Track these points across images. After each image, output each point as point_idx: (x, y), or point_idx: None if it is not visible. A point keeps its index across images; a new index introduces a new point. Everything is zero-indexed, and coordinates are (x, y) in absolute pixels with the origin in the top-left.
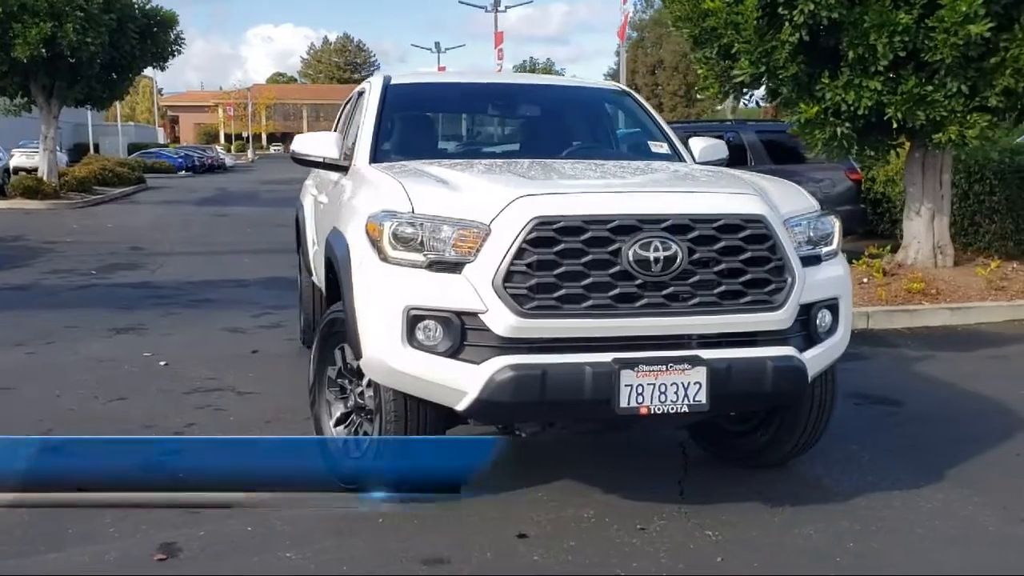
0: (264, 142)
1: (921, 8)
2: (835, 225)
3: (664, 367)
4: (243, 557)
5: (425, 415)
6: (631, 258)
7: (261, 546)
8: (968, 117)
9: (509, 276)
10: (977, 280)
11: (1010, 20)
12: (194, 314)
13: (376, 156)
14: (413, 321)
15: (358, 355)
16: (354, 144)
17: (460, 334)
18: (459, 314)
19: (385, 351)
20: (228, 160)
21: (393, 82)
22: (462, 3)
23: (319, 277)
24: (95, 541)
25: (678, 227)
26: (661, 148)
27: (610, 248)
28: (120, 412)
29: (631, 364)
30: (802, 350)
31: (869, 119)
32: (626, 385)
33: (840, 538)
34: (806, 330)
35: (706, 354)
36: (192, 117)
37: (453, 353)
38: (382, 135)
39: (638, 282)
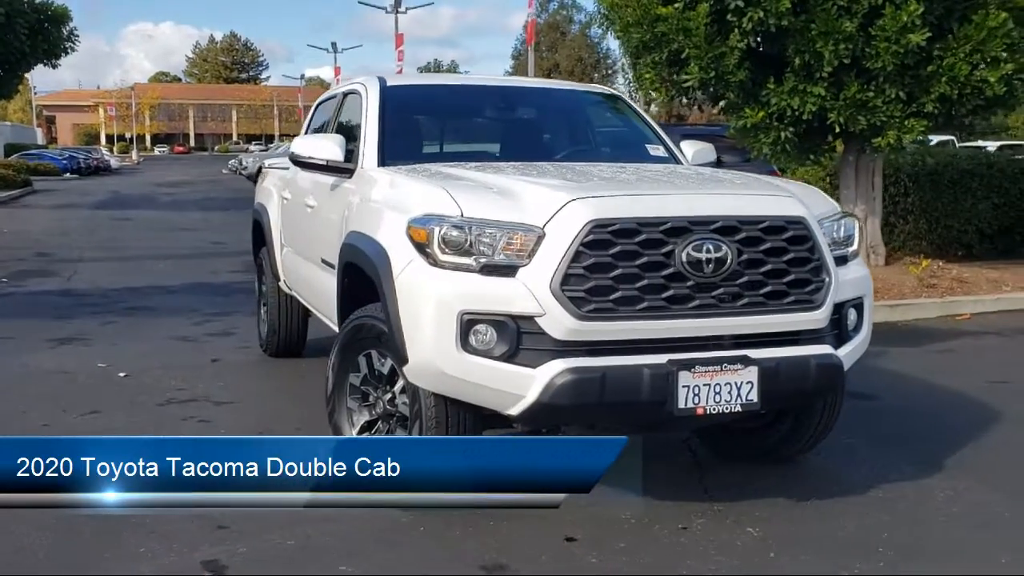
0: (148, 143)
1: (862, 18)
2: (856, 226)
3: (719, 367)
4: (299, 570)
5: (465, 419)
6: (684, 260)
7: (312, 559)
8: (906, 122)
9: (567, 279)
10: (909, 278)
11: (943, 31)
12: (133, 322)
13: (384, 159)
14: (467, 325)
15: (402, 361)
16: (355, 147)
17: (516, 338)
18: (515, 317)
19: (437, 356)
20: (113, 162)
21: (389, 83)
22: (360, 3)
23: (292, 282)
24: (131, 559)
25: (727, 228)
26: (658, 151)
27: (663, 250)
28: (101, 425)
29: (688, 365)
30: (835, 348)
31: (811, 124)
32: (683, 386)
33: (875, 530)
34: (838, 329)
35: (755, 354)
36: (70, 117)
37: (508, 357)
38: (387, 137)
39: (690, 283)
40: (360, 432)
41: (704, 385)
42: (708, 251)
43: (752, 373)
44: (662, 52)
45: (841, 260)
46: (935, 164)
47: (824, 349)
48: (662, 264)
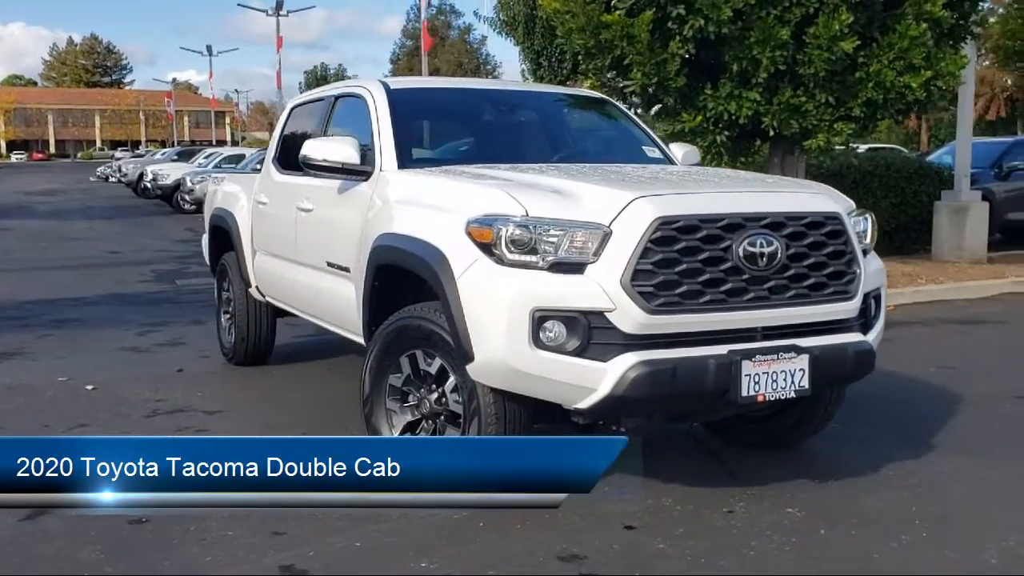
0: (3, 150)
1: (794, 26)
2: (870, 221)
3: (775, 356)
4: (379, 569)
5: (521, 416)
6: (740, 254)
7: (388, 559)
8: (834, 126)
9: (636, 275)
10: None
11: (867, 40)
12: (69, 335)
13: (404, 162)
14: (539, 322)
15: (466, 359)
16: (368, 150)
17: (587, 333)
18: (586, 313)
19: (509, 353)
20: None
21: (393, 87)
22: (240, 5)
23: (272, 287)
24: (200, 568)
25: (775, 224)
26: (654, 152)
27: (722, 245)
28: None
29: (749, 355)
30: (864, 335)
31: (746, 128)
32: (746, 375)
33: (902, 504)
34: (864, 318)
35: (803, 342)
36: None
37: (580, 352)
38: (403, 140)
39: (745, 277)
40: (402, 433)
41: (763, 373)
42: (761, 245)
43: (803, 361)
44: (605, 58)
45: (864, 253)
46: (839, 166)
47: (858, 337)
48: (721, 259)
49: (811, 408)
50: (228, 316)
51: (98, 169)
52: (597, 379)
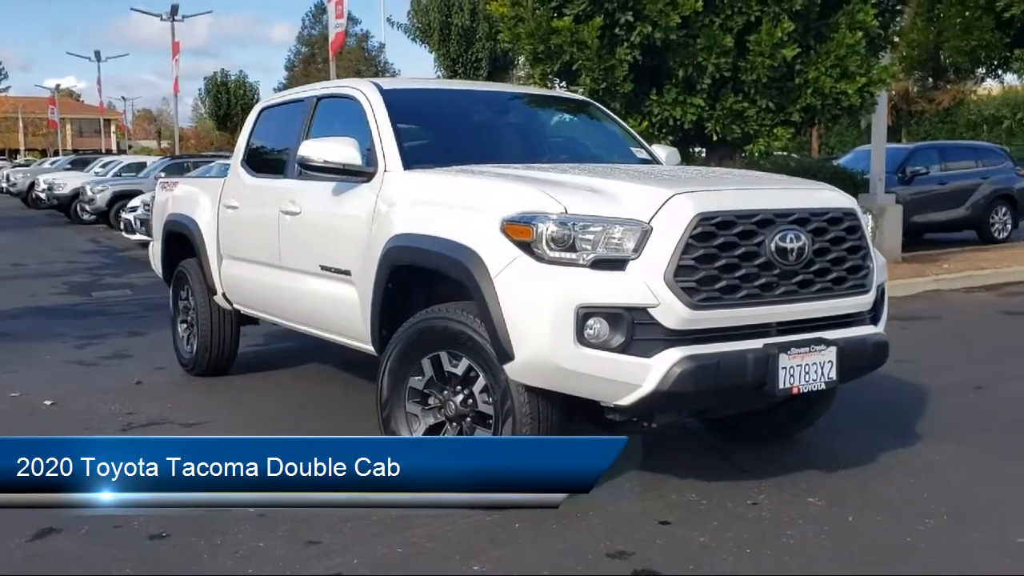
0: None
1: (735, 35)
2: (871, 218)
3: (808, 349)
4: (431, 572)
5: (552, 415)
6: (773, 249)
7: (436, 563)
8: (774, 131)
9: (679, 270)
10: None
11: (804, 47)
12: (3, 349)
13: (408, 162)
14: (583, 319)
15: (505, 359)
16: (367, 151)
17: (631, 329)
18: (630, 309)
19: (553, 351)
20: None
21: (386, 87)
22: (133, 10)
23: (246, 294)
24: None
25: (801, 220)
26: (641, 153)
27: (755, 240)
28: None
29: (785, 348)
30: (875, 327)
31: (689, 132)
32: (782, 368)
33: (914, 491)
34: (874, 311)
35: (829, 335)
36: None
37: (624, 348)
38: (405, 141)
39: (776, 271)
40: (426, 435)
41: (797, 366)
42: (792, 240)
43: (832, 353)
44: (554, 63)
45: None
46: (774, 168)
47: (873, 329)
48: (755, 254)
49: (808, 402)
50: (186, 325)
51: None
52: (642, 375)
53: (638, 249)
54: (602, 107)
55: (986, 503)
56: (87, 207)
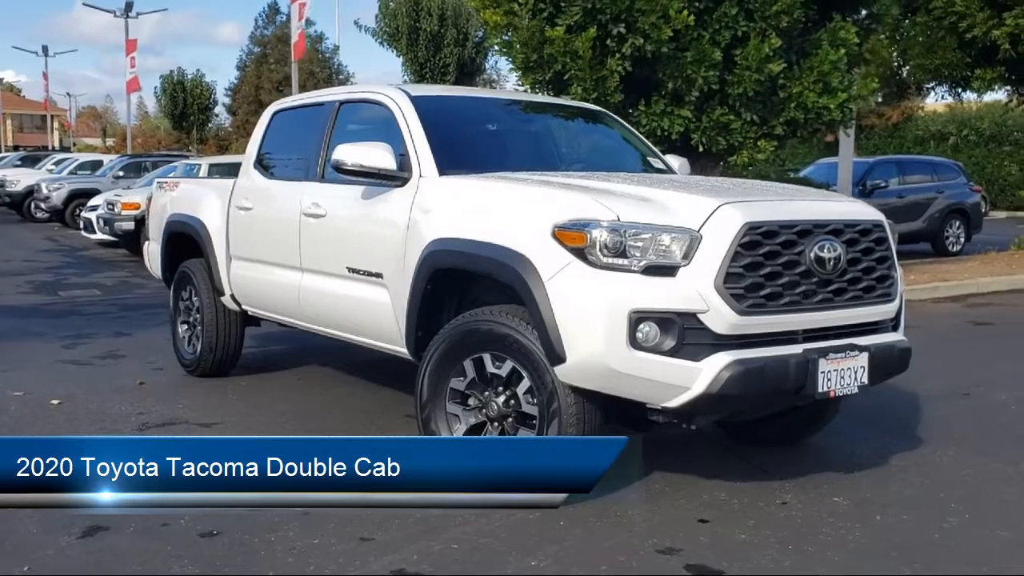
0: None
1: (722, 50)
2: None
3: (844, 354)
4: (492, 568)
5: (597, 417)
6: (812, 258)
7: (495, 559)
8: (758, 143)
9: (728, 277)
10: None
11: (790, 63)
12: None
13: (443, 168)
14: (636, 323)
15: (557, 361)
16: (400, 156)
17: (681, 333)
18: (681, 314)
19: (606, 354)
20: None
21: (415, 94)
22: (86, 5)
23: (259, 297)
24: None
25: (836, 231)
26: (658, 163)
27: (796, 250)
28: None
29: (824, 353)
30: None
31: (675, 143)
32: (821, 372)
33: (931, 490)
34: (895, 319)
35: (861, 341)
36: None
37: (674, 352)
38: (439, 147)
39: (814, 280)
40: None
41: (834, 371)
42: (829, 250)
43: (864, 358)
44: (546, 72)
45: None
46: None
47: (897, 336)
48: (796, 262)
49: (822, 406)
50: (188, 326)
51: None
52: (691, 378)
53: (688, 256)
54: (617, 117)
55: (999, 502)
56: (42, 205)
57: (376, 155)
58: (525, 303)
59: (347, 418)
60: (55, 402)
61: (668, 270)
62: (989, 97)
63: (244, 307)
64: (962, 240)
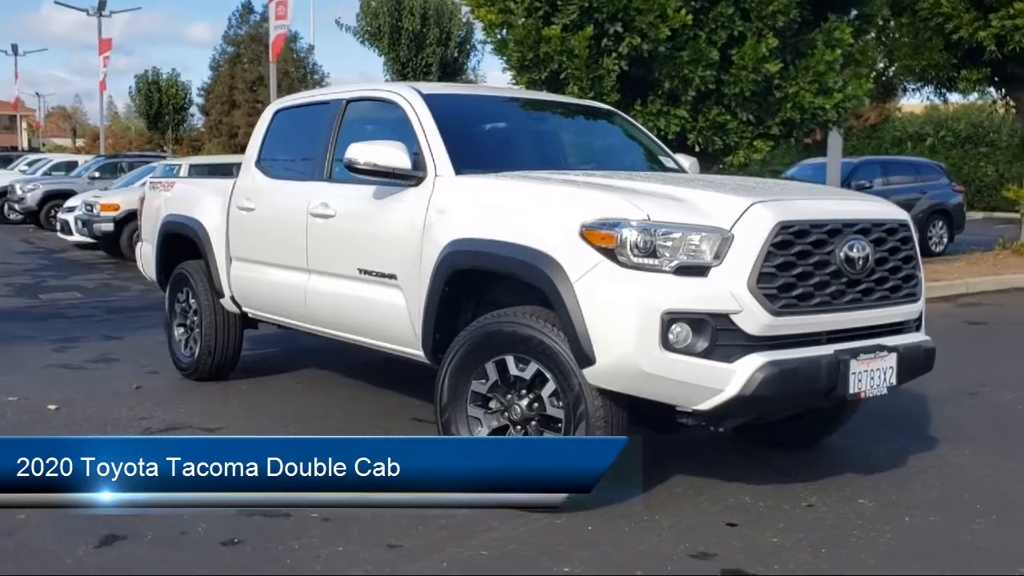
0: None
1: (719, 49)
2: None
3: (873, 355)
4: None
5: (623, 419)
6: (842, 257)
7: (526, 565)
8: (754, 143)
9: (761, 277)
10: None
11: (785, 63)
12: None
13: (459, 168)
14: (668, 324)
15: (586, 363)
16: (414, 155)
17: (714, 334)
18: (714, 315)
19: (638, 356)
20: None
21: (427, 92)
22: (58, 3)
23: (261, 298)
24: None
25: (864, 230)
26: (669, 162)
27: (826, 249)
28: None
29: (855, 354)
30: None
31: (671, 143)
32: (852, 373)
33: (955, 491)
34: (919, 319)
35: (889, 342)
36: None
37: (707, 353)
38: (453, 145)
39: (844, 280)
40: None
41: (864, 371)
42: (858, 250)
43: (892, 359)
44: (542, 72)
45: None
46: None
47: (922, 335)
48: (826, 262)
49: (839, 408)
50: (185, 329)
51: None
52: (725, 380)
53: (719, 256)
54: (627, 117)
55: (1023, 503)
56: (16, 206)
57: (390, 154)
58: (553, 304)
59: (351, 421)
60: (53, 407)
61: (699, 270)
62: (969, 98)
63: (245, 309)
64: (945, 240)
